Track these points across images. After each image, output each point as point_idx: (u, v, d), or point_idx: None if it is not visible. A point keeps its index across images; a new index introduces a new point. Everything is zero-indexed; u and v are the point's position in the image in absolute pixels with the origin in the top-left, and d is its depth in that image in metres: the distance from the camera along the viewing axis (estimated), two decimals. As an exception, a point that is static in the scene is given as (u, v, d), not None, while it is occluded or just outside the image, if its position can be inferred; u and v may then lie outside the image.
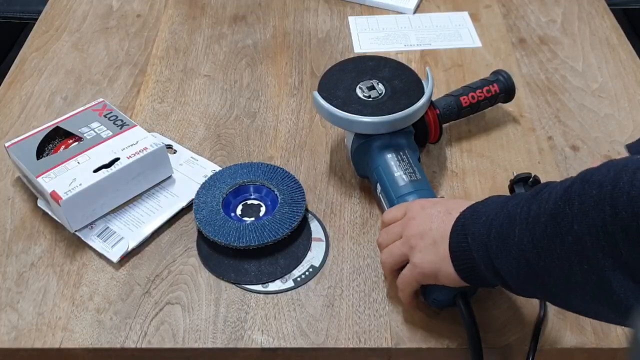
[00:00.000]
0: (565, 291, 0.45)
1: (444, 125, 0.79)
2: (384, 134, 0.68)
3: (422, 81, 0.71)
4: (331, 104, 0.69)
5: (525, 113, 0.83)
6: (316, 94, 0.70)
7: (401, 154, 0.68)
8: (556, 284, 0.45)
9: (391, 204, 0.66)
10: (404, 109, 0.67)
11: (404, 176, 0.66)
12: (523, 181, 0.70)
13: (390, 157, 0.68)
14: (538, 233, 0.45)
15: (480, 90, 0.78)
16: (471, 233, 0.51)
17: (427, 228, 0.55)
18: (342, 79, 0.72)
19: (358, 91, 0.70)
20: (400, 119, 0.67)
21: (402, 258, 0.58)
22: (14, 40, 1.54)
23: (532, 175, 0.67)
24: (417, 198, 0.64)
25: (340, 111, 0.68)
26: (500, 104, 0.84)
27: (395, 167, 0.67)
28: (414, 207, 0.59)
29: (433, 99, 0.75)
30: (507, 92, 0.79)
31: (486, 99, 0.78)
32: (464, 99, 0.77)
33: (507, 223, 0.48)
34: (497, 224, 0.49)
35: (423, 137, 0.74)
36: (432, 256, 0.54)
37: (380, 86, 0.70)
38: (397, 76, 0.72)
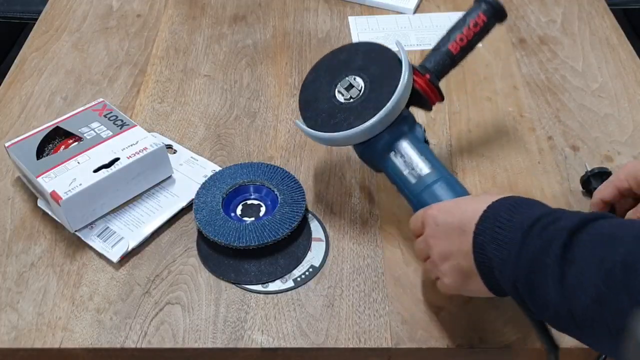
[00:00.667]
0: (603, 349, 0.45)
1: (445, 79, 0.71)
2: (381, 132, 0.64)
3: (397, 53, 0.65)
4: (317, 122, 0.65)
5: (525, 113, 0.83)
6: (298, 123, 0.66)
7: (404, 147, 0.64)
8: (593, 342, 0.45)
9: (411, 203, 0.64)
10: (388, 98, 0.62)
11: (413, 173, 0.63)
12: (598, 176, 0.70)
13: (394, 156, 0.64)
14: (579, 311, 0.43)
15: (466, 29, 0.70)
16: (497, 266, 0.49)
17: (447, 251, 0.54)
18: (319, 88, 0.67)
19: (338, 96, 0.65)
20: (385, 116, 0.62)
21: (437, 274, 0.58)
22: (14, 40, 1.54)
23: (608, 170, 0.65)
24: (434, 194, 0.61)
25: (326, 134, 0.64)
26: (501, 106, 0.84)
27: (402, 167, 0.64)
28: (428, 222, 0.57)
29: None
30: (496, 15, 0.70)
31: (476, 34, 0.70)
32: (452, 46, 0.69)
33: (538, 275, 0.46)
34: (523, 271, 0.47)
35: (425, 105, 0.69)
36: (460, 279, 0.54)
37: (358, 80, 0.65)
38: (371, 61, 0.66)
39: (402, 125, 0.65)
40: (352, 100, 0.64)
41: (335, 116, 0.64)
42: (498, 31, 0.97)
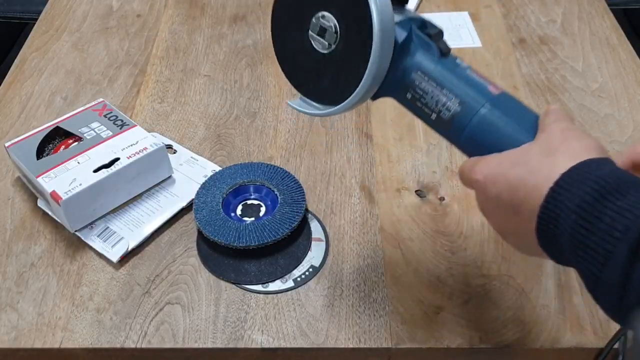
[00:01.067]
0: None
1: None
2: (387, 73, 0.50)
3: None
4: (309, 86, 0.53)
5: (525, 113, 0.83)
6: (291, 104, 0.55)
7: (418, 84, 0.49)
8: None
9: (453, 144, 0.51)
10: (369, 35, 0.47)
11: (442, 115, 0.49)
12: None
13: (412, 99, 0.50)
14: None
15: None
16: (580, 271, 0.38)
17: (503, 228, 0.45)
18: (292, 41, 0.53)
19: (316, 46, 0.51)
20: (378, 60, 0.48)
21: None
22: (14, 40, 1.54)
23: None
24: (475, 141, 0.48)
25: (326, 111, 0.52)
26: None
27: (427, 110, 0.50)
28: (475, 189, 0.46)
29: None
30: None
31: None
32: None
33: None
34: (637, 302, 0.34)
35: None
36: (528, 253, 0.45)
37: (328, 17, 0.49)
38: None
39: (407, 49, 0.50)
40: (333, 47, 0.50)
41: (324, 73, 0.52)
42: (498, 31, 0.97)
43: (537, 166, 0.41)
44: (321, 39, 0.51)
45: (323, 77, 0.52)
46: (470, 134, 0.48)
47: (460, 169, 0.49)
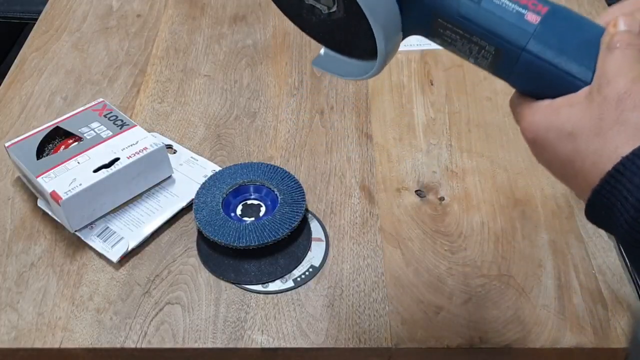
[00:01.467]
0: None
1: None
2: (405, 22, 0.43)
3: None
4: (332, 39, 0.47)
5: (525, 113, 0.83)
6: (316, 67, 0.49)
7: (442, 31, 0.43)
8: None
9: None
10: None
11: (479, 61, 0.43)
12: None
13: (442, 44, 0.44)
14: None
15: None
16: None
17: (558, 178, 0.41)
18: (293, 4, 0.47)
19: (318, 6, 0.45)
20: (387, 19, 0.42)
21: None
22: (14, 40, 1.54)
23: None
24: (518, 82, 0.42)
25: (364, 75, 0.46)
26: (501, 106, 0.84)
27: (462, 54, 0.44)
28: (529, 143, 0.43)
29: None
30: None
31: None
32: None
33: None
34: None
35: None
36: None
37: None
38: None
39: None
40: (335, 9, 0.44)
41: (336, 31, 0.46)
42: (498, 31, 0.97)
43: (584, 147, 0.36)
44: (319, 4, 0.45)
45: (335, 34, 0.46)
46: (516, 78, 0.42)
47: (510, 102, 0.44)
